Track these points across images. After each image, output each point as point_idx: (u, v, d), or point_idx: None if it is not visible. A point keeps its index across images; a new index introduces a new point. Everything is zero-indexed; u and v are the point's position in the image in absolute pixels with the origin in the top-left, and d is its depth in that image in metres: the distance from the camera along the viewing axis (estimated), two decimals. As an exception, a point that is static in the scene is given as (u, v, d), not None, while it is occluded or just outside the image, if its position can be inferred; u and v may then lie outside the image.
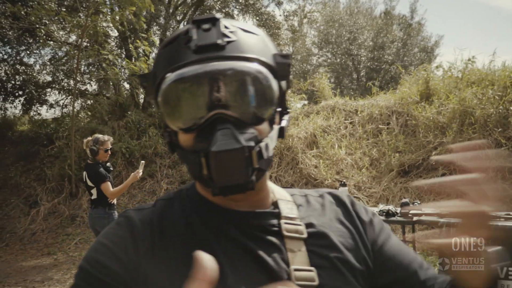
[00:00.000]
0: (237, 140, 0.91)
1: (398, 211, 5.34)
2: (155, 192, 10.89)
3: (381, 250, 1.12)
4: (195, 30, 0.98)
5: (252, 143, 0.93)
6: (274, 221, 1.06)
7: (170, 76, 0.95)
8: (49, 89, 14.46)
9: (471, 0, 57.57)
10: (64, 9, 12.43)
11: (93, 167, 5.82)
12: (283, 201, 1.13)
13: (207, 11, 15.18)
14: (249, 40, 1.01)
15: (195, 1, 14.86)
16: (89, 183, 5.83)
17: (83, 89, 14.25)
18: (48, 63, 14.38)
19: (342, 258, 1.05)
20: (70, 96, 14.08)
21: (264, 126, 1.00)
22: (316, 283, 0.99)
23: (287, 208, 1.11)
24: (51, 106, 14.39)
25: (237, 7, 14.85)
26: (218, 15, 1.00)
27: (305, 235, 1.06)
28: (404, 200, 5.38)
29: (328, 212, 1.15)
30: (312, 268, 1.01)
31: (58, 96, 14.70)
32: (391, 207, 5.35)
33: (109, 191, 5.80)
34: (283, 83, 1.06)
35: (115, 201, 5.99)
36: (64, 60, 14.15)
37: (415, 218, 5.11)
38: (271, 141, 1.01)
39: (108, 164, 6.05)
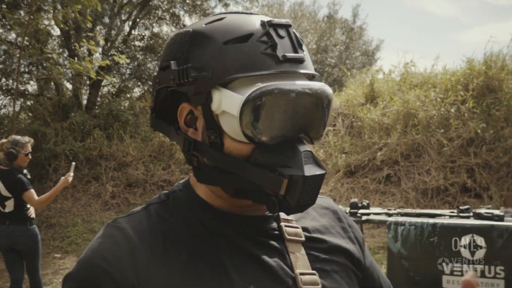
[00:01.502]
0: (320, 166, 0.93)
1: (347, 211, 5.42)
2: (100, 195, 10.66)
3: (366, 263, 1.18)
4: (275, 35, 0.93)
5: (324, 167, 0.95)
6: (274, 224, 1.05)
7: (273, 86, 0.89)
8: (-14, 89, 13.94)
9: (410, 7, 59.31)
10: (5, 6, 12.02)
11: (10, 173, 5.01)
12: None
13: (153, 11, 15.01)
14: (307, 53, 0.99)
15: (140, 1, 14.66)
16: (5, 194, 4.98)
17: (22, 89, 13.79)
18: (-15, 62, 13.86)
19: (338, 261, 1.07)
20: (9, 97, 13.61)
21: None
22: (319, 286, 0.99)
23: None
24: (-13, 107, 13.89)
25: (184, 7, 14.76)
26: (290, 21, 0.96)
27: (303, 238, 1.05)
28: (353, 200, 5.47)
29: (319, 215, 1.16)
30: (314, 271, 1.01)
31: (-4, 97, 14.17)
32: (340, 207, 5.42)
33: (36, 200, 5.06)
34: None
35: (33, 214, 5.21)
36: (2, 59, 13.66)
37: (364, 218, 5.20)
38: None
39: (25, 171, 5.22)
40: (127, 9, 15.25)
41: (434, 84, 10.16)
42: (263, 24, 0.94)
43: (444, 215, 4.90)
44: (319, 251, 1.06)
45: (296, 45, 0.95)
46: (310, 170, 0.90)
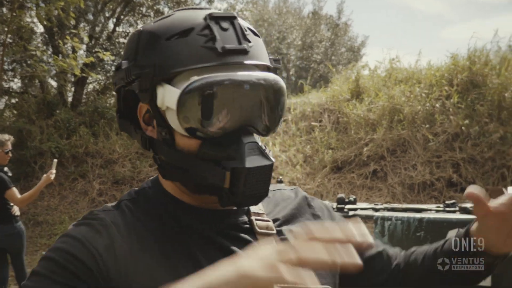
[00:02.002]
0: (265, 156, 0.93)
1: (334, 206, 5.44)
2: (87, 193, 10.60)
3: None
4: (216, 28, 0.93)
5: (273, 159, 0.94)
6: (245, 218, 1.05)
7: (205, 79, 0.88)
8: (-31, 87, 13.78)
9: (394, 2, 59.61)
10: (-14, 3, 11.89)
11: None
12: None
13: (137, 8, 14.93)
14: (259, 44, 0.99)
15: (124, -2, 14.59)
16: None
17: (6, 87, 13.66)
18: (-32, 59, 13.68)
19: None
20: (-8, 94, 13.48)
21: None
22: None
23: None
24: (-29, 105, 13.73)
25: (168, 4, 14.70)
26: (235, 13, 0.96)
27: (274, 231, 1.05)
28: (339, 195, 5.49)
29: (287, 206, 1.15)
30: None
31: (-22, 95, 14.00)
32: (327, 203, 5.44)
33: (18, 199, 4.97)
34: None
35: (18, 211, 5.17)
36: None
37: (351, 213, 5.22)
38: None
39: (6, 169, 5.16)
40: (111, 6, 15.17)
41: (419, 80, 10.21)
42: (205, 17, 0.94)
43: (431, 210, 4.94)
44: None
45: (241, 36, 0.94)
46: (253, 161, 0.90)
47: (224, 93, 0.91)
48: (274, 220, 1.08)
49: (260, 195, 0.94)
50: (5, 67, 13.25)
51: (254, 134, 0.96)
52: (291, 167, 10.23)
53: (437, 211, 4.90)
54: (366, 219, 5.90)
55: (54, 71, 12.39)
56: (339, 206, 5.38)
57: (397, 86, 10.25)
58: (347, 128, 10.35)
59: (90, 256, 0.88)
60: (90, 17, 14.33)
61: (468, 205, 4.82)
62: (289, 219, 1.11)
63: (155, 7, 14.53)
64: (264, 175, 0.92)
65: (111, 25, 15.18)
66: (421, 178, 8.76)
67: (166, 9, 15.00)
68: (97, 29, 14.10)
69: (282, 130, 11.22)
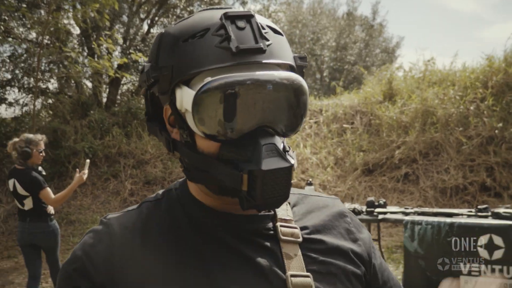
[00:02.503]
0: (284, 158, 0.89)
1: (363, 210, 5.40)
2: (119, 193, 10.74)
3: (374, 267, 1.13)
4: (231, 28, 0.91)
5: (293, 160, 0.91)
6: (270, 224, 1.02)
7: (217, 80, 0.87)
8: (8, 87, 14.09)
9: (430, 2, 58.75)
10: (25, 5, 12.15)
11: (26, 173, 5.06)
12: None
13: (171, 10, 15.06)
14: (280, 42, 0.96)
15: (158, 0, 14.74)
16: (22, 192, 5.03)
17: (43, 87, 13.93)
18: (8, 60, 14.02)
19: (337, 264, 1.03)
20: (31, 95, 13.76)
21: None
22: None
23: (282, 209, 1.06)
24: (11, 104, 14.02)
25: (202, 6, 14.79)
26: (252, 11, 0.94)
27: (300, 239, 1.02)
28: (369, 199, 5.44)
29: (321, 215, 1.11)
30: (308, 274, 0.97)
31: (18, 95, 14.30)
32: (356, 206, 5.41)
33: (52, 199, 5.06)
34: None
35: (52, 210, 5.26)
36: (24, 58, 13.82)
37: (380, 216, 5.18)
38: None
39: (40, 168, 5.26)
40: (146, 8, 15.34)
41: (453, 82, 10.05)
42: (220, 17, 0.92)
43: (462, 215, 4.86)
44: (317, 252, 1.02)
45: (257, 35, 0.92)
46: (270, 163, 0.87)
47: (239, 94, 0.89)
48: (303, 228, 1.05)
49: (280, 198, 0.91)
50: (42, 67, 13.54)
51: (275, 136, 0.93)
52: (321, 170, 10.18)
53: (468, 216, 4.82)
54: (395, 223, 5.85)
55: (89, 72, 12.60)
56: (368, 209, 5.34)
57: (431, 88, 10.10)
58: (379, 131, 10.26)
59: (85, 276, 0.94)
60: (125, 19, 14.52)
61: (501, 210, 4.72)
62: (320, 229, 1.07)
63: (188, 9, 14.63)
64: (283, 177, 0.89)
65: (145, 27, 15.36)
66: (454, 182, 8.61)
67: (200, 11, 15.12)
68: (132, 31, 14.26)
69: (314, 132, 11.18)
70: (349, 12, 28.15)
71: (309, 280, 0.96)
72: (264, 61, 0.91)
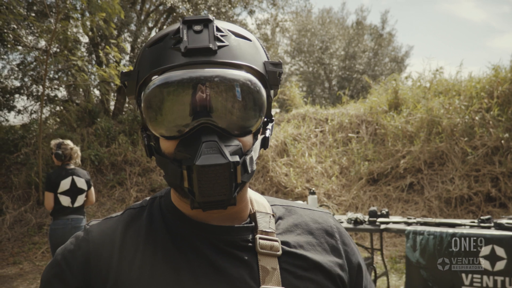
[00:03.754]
0: (222, 155, 0.88)
1: (366, 219, 5.38)
2: (125, 200, 10.77)
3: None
4: (186, 31, 0.93)
5: (237, 158, 0.90)
6: (249, 236, 1.02)
7: (156, 79, 0.90)
8: (17, 95, 14.22)
9: (439, 11, 58.68)
10: (33, 14, 12.27)
11: (83, 171, 5.81)
12: (261, 213, 1.07)
13: (179, 19, 15.13)
14: (241, 45, 0.97)
15: (167, 9, 14.82)
16: (84, 187, 5.70)
17: (52, 95, 14.04)
18: (17, 68, 14.15)
19: (316, 280, 1.01)
20: (39, 102, 13.87)
21: (249, 137, 0.97)
22: None
23: (264, 221, 1.05)
24: (19, 112, 14.15)
25: (209, 15, 14.86)
26: (211, 16, 0.96)
27: (280, 252, 1.01)
28: (372, 208, 5.43)
29: (308, 230, 1.10)
30: None
31: (27, 102, 14.44)
32: (359, 215, 5.39)
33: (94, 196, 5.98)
34: (272, 92, 1.03)
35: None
36: (32, 66, 13.94)
37: (382, 226, 5.16)
38: (255, 153, 0.97)
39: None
40: (154, 17, 15.43)
41: (459, 92, 10.01)
42: (182, 22, 0.95)
43: (465, 225, 4.83)
44: (297, 267, 1.01)
45: (212, 37, 0.93)
46: (206, 159, 0.87)
47: (178, 90, 0.90)
48: (284, 242, 1.04)
49: (220, 198, 0.90)
50: (51, 76, 13.65)
51: (221, 134, 0.93)
52: (326, 179, 10.16)
53: (471, 226, 4.79)
54: (398, 233, 5.82)
55: (97, 81, 12.69)
56: (371, 219, 5.32)
57: (436, 98, 10.06)
58: (384, 140, 10.23)
59: (62, 281, 0.96)
60: (133, 27, 14.61)
61: (504, 221, 4.69)
62: (303, 245, 1.06)
63: (196, 17, 14.70)
64: (221, 175, 0.88)
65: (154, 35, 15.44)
66: (459, 192, 8.56)
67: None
68: (139, 40, 14.34)
69: (319, 141, 11.17)
70: (358, 21, 28.12)
71: None
72: (216, 60, 0.92)
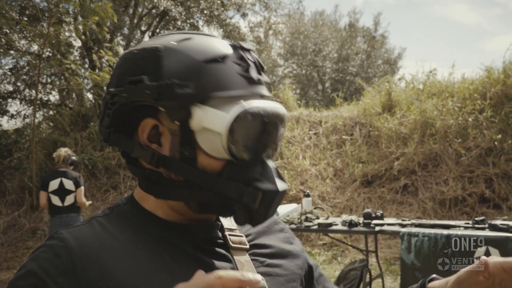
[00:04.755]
0: (284, 181, 1.00)
1: (360, 221, 5.39)
2: (119, 204, 10.75)
3: (317, 275, 1.25)
4: (247, 58, 0.99)
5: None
6: (219, 234, 1.08)
7: (254, 107, 0.94)
8: (10, 99, 14.18)
9: (432, 14, 58.90)
10: (26, 18, 12.24)
11: (73, 173, 6.38)
12: None
13: (172, 22, 15.15)
14: None
15: (159, 12, 14.82)
16: (71, 188, 6.25)
17: (45, 99, 14.00)
18: (9, 72, 14.10)
19: (282, 265, 1.12)
20: (32, 107, 13.84)
21: None
22: None
23: (226, 220, 1.13)
24: (12, 116, 14.10)
25: (202, 18, 14.85)
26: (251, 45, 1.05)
27: (247, 246, 1.09)
28: (366, 210, 5.43)
29: (265, 224, 1.21)
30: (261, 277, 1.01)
31: (20, 107, 14.38)
32: (354, 217, 5.39)
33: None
34: None
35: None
36: (25, 70, 13.90)
37: (377, 228, 5.16)
38: None
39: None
40: (147, 20, 15.43)
41: (452, 93, 10.04)
42: (234, 47, 1.00)
43: (459, 226, 4.84)
44: (263, 256, 1.10)
45: (260, 68, 1.02)
46: (281, 184, 0.97)
47: (267, 122, 0.97)
48: (246, 235, 1.13)
49: (271, 215, 1.00)
50: (43, 80, 13.61)
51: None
52: (321, 181, 10.17)
53: (465, 227, 4.80)
54: (392, 234, 5.83)
55: (90, 85, 12.66)
56: (365, 221, 5.32)
57: (430, 100, 10.09)
58: (378, 142, 10.25)
59: None
60: (126, 31, 14.60)
61: (498, 222, 4.70)
62: (262, 235, 1.17)
63: (189, 21, 14.71)
64: (282, 197, 0.99)
65: (146, 39, 15.41)
66: (453, 193, 8.59)
67: (200, 23, 15.18)
68: (132, 43, 14.32)
69: (313, 144, 11.19)
70: (351, 23, 28.21)
71: (263, 282, 1.01)
72: (264, 93, 1.02)
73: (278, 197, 0.97)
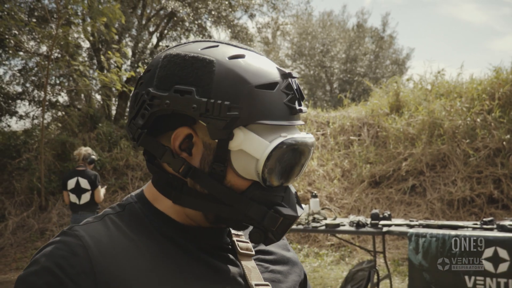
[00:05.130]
0: (301, 206, 1.04)
1: (368, 222, 5.38)
2: (127, 205, 10.77)
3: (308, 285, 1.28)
4: (294, 87, 1.01)
5: None
6: (228, 239, 1.09)
7: (292, 139, 0.97)
8: (19, 101, 14.24)
9: (440, 14, 58.68)
10: (35, 20, 12.30)
11: (90, 173, 6.68)
12: None
13: (180, 23, 15.16)
14: None
15: (167, 13, 14.84)
16: (87, 187, 6.56)
17: (54, 100, 14.06)
18: (18, 74, 14.17)
19: (285, 271, 1.15)
20: (40, 108, 13.90)
21: None
22: None
23: None
24: (21, 117, 14.17)
25: (210, 19, 14.86)
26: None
27: (253, 252, 1.11)
28: (374, 211, 5.42)
29: None
30: (267, 283, 1.05)
31: (28, 108, 14.45)
32: (361, 218, 5.38)
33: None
34: None
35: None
36: (34, 71, 13.97)
37: (385, 229, 5.15)
38: None
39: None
40: (155, 21, 15.45)
41: (460, 94, 9.99)
42: (283, 74, 1.00)
43: (467, 227, 4.83)
44: (268, 262, 1.13)
45: (300, 98, 1.03)
46: (300, 211, 1.02)
47: (301, 153, 1.01)
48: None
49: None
50: (52, 81, 13.67)
51: None
52: (328, 182, 10.15)
53: (474, 228, 4.79)
54: (400, 235, 5.82)
55: (98, 86, 12.71)
56: (373, 222, 5.31)
57: (438, 100, 10.05)
58: (386, 143, 10.22)
59: None
60: (134, 32, 14.62)
61: (507, 222, 4.68)
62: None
63: (197, 22, 14.72)
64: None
65: (154, 40, 15.47)
66: (461, 194, 8.55)
67: (208, 24, 15.19)
68: (140, 44, 14.35)
69: (321, 144, 11.17)
70: (359, 24, 28.14)
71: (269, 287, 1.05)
72: (300, 123, 1.04)
73: (294, 221, 1.00)
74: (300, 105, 1.01)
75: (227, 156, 0.96)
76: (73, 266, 0.89)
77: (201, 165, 0.98)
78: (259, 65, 0.99)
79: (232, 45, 1.03)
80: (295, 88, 1.00)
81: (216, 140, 0.96)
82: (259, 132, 0.95)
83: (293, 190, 1.03)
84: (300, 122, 1.03)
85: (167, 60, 0.99)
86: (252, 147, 0.95)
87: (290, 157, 0.99)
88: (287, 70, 1.01)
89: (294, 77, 1.01)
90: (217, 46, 1.01)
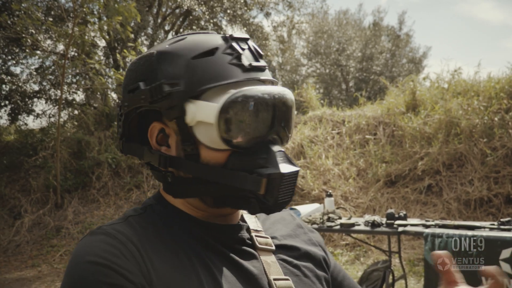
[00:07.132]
0: (293, 163, 1.01)
1: (383, 222, 5.33)
2: (142, 203, 10.82)
3: (335, 273, 1.24)
4: (237, 47, 1.00)
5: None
6: (247, 234, 1.09)
7: (244, 92, 0.95)
8: (36, 99, 14.37)
9: (457, 12, 58.24)
10: (51, 19, 12.39)
11: None
12: (246, 215, 1.16)
13: (195, 22, 15.20)
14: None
15: (183, 12, 14.88)
16: None
17: (70, 99, 14.17)
18: (35, 72, 14.31)
19: (308, 266, 1.13)
20: (57, 106, 14.02)
21: None
22: None
23: (252, 221, 1.15)
24: (38, 116, 14.30)
25: (225, 17, 14.88)
26: (247, 35, 1.05)
27: (273, 247, 1.10)
28: (389, 211, 5.37)
29: (284, 225, 1.22)
30: (287, 277, 1.05)
31: (45, 106, 14.59)
32: (376, 218, 5.34)
33: None
34: None
35: None
36: (51, 70, 14.08)
37: (400, 229, 5.10)
38: None
39: None
40: (170, 20, 15.50)
41: (478, 92, 9.88)
42: (225, 38, 1.02)
43: (484, 227, 4.77)
44: (290, 257, 1.12)
45: (257, 55, 1.03)
46: (286, 167, 0.97)
47: (259, 106, 0.98)
48: (272, 237, 1.14)
49: (287, 200, 1.00)
50: (69, 80, 13.77)
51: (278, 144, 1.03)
52: (343, 181, 10.10)
53: (491, 228, 4.73)
54: (416, 235, 5.76)
55: (114, 84, 12.78)
56: (388, 221, 5.27)
57: (455, 99, 9.94)
58: (402, 142, 10.14)
59: (135, 265, 0.90)
60: (150, 31, 14.69)
61: (525, 223, 4.62)
62: (287, 238, 1.17)
63: (212, 20, 14.75)
64: (293, 181, 1.00)
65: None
66: (478, 194, 8.45)
67: (223, 22, 15.22)
68: (156, 43, 14.40)
69: (336, 143, 11.11)
70: (375, 22, 27.99)
71: (290, 282, 1.04)
72: (263, 77, 1.02)
73: (285, 180, 0.97)
74: (257, 61, 1.02)
75: (191, 133, 0.98)
76: (118, 257, 0.89)
77: (177, 152, 1.01)
78: (198, 39, 1.03)
79: (201, 33, 1.08)
80: (244, 47, 1.01)
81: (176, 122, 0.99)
82: (209, 98, 0.96)
83: (276, 149, 0.99)
84: (264, 77, 1.02)
85: (127, 70, 1.08)
86: (205, 115, 0.95)
87: (249, 111, 0.96)
88: (235, 34, 1.03)
89: (241, 38, 1.02)
90: (185, 38, 1.05)
